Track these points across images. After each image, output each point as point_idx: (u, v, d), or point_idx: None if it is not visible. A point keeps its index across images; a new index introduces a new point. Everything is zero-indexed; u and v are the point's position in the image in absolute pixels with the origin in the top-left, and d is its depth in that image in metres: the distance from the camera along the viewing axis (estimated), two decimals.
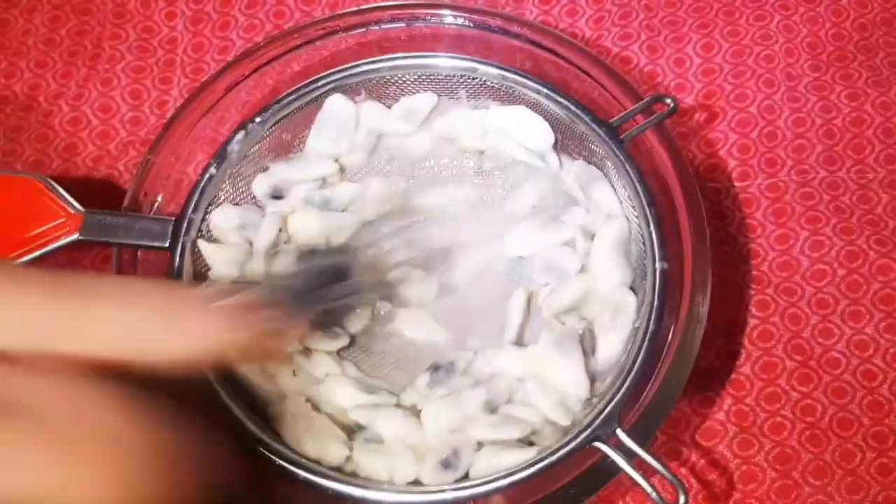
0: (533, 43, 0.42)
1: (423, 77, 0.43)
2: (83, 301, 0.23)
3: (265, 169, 0.43)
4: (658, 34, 0.51)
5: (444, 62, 0.42)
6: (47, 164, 0.49)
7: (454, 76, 0.42)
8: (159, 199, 0.41)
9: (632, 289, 0.40)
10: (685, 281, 0.38)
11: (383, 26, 0.43)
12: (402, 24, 0.43)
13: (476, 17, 0.43)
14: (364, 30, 0.43)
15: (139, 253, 0.40)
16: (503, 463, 0.35)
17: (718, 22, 0.51)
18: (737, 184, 0.48)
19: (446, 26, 0.43)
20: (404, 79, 0.43)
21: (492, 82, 0.42)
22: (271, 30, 0.52)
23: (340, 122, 0.42)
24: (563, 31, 0.45)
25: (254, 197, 0.43)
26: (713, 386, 0.44)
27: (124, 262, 0.40)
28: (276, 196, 0.42)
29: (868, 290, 0.45)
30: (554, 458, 0.35)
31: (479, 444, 0.37)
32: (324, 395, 0.38)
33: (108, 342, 0.23)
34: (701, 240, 0.39)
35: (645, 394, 0.36)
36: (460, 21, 0.43)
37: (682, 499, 0.33)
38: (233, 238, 0.41)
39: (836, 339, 0.44)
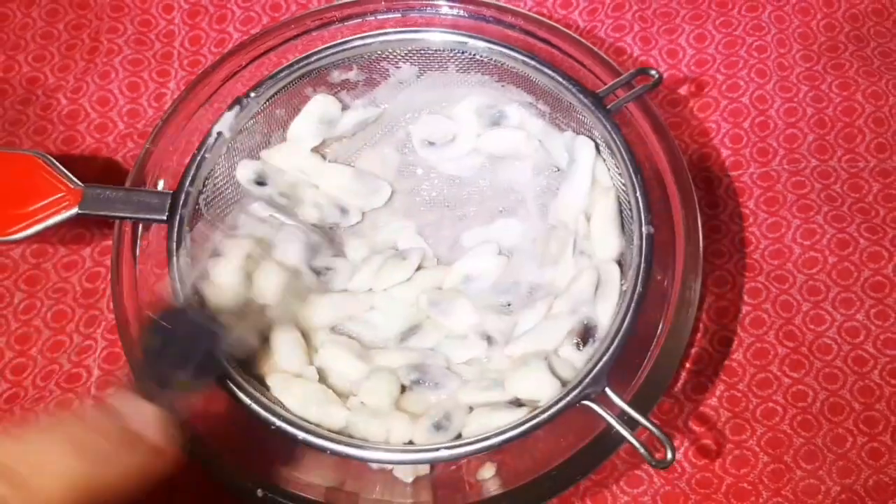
0: (527, 33, 0.43)
1: (414, 51, 0.43)
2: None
3: (252, 154, 0.43)
4: (651, 25, 0.52)
5: (434, 37, 0.43)
6: None
7: (444, 50, 0.43)
8: (160, 184, 0.42)
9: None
10: (677, 265, 0.39)
11: (379, 17, 0.44)
12: (398, 15, 0.44)
13: (472, 8, 0.43)
14: (360, 20, 0.44)
15: (140, 226, 0.41)
16: (494, 423, 0.36)
17: (711, 13, 0.52)
18: (729, 173, 0.48)
19: (441, 16, 0.44)
20: (395, 53, 0.43)
21: (481, 56, 0.42)
22: (268, 23, 0.52)
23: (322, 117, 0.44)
24: (556, 23, 0.46)
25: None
26: (706, 372, 0.45)
27: (125, 234, 0.41)
28: (260, 182, 0.43)
29: (859, 277, 0.46)
30: (545, 416, 0.35)
31: (471, 408, 0.38)
32: (326, 363, 0.40)
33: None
34: (693, 224, 0.39)
35: (637, 376, 0.37)
36: (455, 11, 0.44)
37: (669, 454, 0.34)
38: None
39: (827, 326, 0.45)
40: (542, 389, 0.37)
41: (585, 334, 0.38)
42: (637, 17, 0.52)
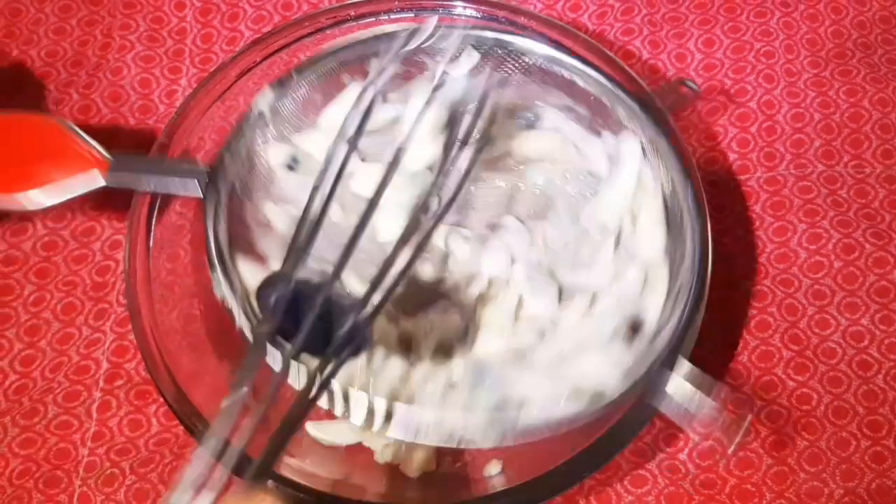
0: (542, 36, 0.43)
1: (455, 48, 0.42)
2: None
3: (284, 138, 0.43)
4: (660, 29, 0.52)
5: (476, 34, 0.42)
6: None
7: (484, 48, 0.42)
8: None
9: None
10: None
11: (393, 16, 0.44)
12: (411, 14, 0.44)
13: (486, 9, 0.44)
14: (374, 19, 0.44)
15: (154, 218, 0.40)
16: (554, 414, 0.36)
17: (719, 18, 0.52)
18: (736, 177, 0.49)
19: (453, 16, 0.44)
20: (435, 48, 0.42)
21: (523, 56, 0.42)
22: (279, 21, 0.53)
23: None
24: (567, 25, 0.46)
25: None
26: (711, 374, 0.44)
27: (139, 226, 0.40)
28: (291, 166, 0.43)
29: (864, 282, 0.46)
30: (608, 408, 0.35)
31: (524, 400, 0.37)
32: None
33: None
34: (702, 227, 0.40)
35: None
36: (469, 13, 0.44)
37: (748, 418, 0.35)
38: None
39: (832, 330, 0.45)
40: (603, 380, 0.37)
41: (633, 331, 0.38)
42: (646, 21, 0.52)
